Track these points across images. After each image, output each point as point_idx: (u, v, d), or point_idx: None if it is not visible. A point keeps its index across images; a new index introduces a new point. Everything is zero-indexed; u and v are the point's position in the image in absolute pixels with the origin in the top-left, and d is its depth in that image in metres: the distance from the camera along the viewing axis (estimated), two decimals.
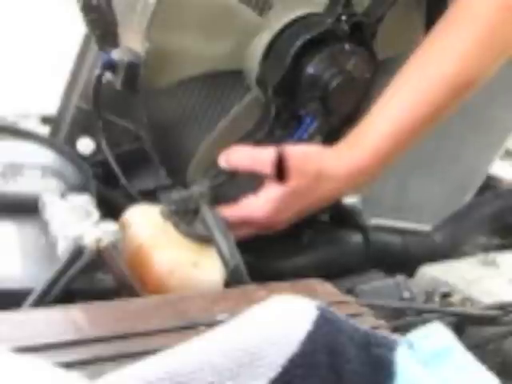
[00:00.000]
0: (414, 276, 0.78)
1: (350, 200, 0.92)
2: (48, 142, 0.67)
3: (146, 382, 0.31)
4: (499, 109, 1.00)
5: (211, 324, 0.41)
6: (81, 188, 0.61)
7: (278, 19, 0.75)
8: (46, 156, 0.65)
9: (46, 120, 0.87)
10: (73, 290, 0.48)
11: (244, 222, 0.69)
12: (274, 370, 0.33)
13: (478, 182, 1.14)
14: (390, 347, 0.37)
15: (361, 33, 0.77)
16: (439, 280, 0.71)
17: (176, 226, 0.59)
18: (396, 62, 0.82)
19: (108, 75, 0.70)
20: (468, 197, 1.14)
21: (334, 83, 0.74)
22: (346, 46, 0.75)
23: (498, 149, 1.12)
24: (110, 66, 0.69)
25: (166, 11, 0.68)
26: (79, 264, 0.48)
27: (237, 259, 0.55)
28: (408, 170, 1.02)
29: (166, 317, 0.44)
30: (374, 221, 0.93)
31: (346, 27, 0.75)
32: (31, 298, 0.46)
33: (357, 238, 0.86)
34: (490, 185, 1.17)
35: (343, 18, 0.75)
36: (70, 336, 0.39)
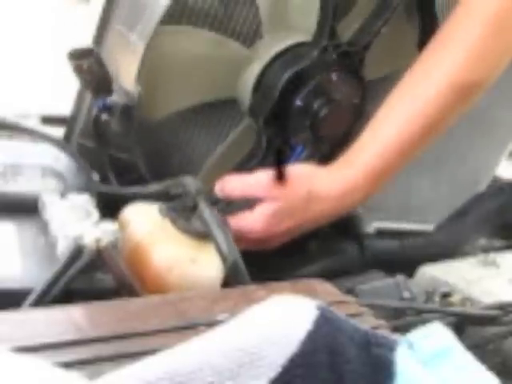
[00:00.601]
0: (414, 276, 0.78)
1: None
2: (48, 141, 0.67)
3: (146, 382, 0.31)
4: (505, 109, 1.00)
5: (211, 324, 0.41)
6: (81, 188, 0.61)
7: (268, 50, 0.77)
8: (46, 156, 0.65)
9: (46, 120, 0.87)
10: (73, 290, 0.48)
11: (239, 236, 0.70)
12: (274, 370, 0.33)
13: (485, 183, 1.14)
14: (390, 347, 0.37)
15: (348, 61, 0.78)
16: (439, 280, 0.71)
17: (174, 222, 0.59)
18: (388, 81, 0.84)
19: (104, 116, 0.73)
20: None
21: (323, 113, 0.76)
22: (333, 76, 0.77)
23: (504, 149, 1.12)
24: (106, 108, 0.72)
25: (155, 55, 0.70)
26: (79, 264, 0.48)
27: (235, 254, 0.56)
28: (413, 172, 1.02)
29: (165, 317, 0.44)
30: (376, 224, 0.93)
31: (332, 57, 0.77)
32: (31, 298, 0.46)
33: (353, 248, 0.85)
34: (493, 185, 1.17)
35: (329, 48, 0.76)
36: (70, 336, 0.39)
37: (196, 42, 0.75)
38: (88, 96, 0.77)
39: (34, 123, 0.85)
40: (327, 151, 0.81)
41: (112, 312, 0.44)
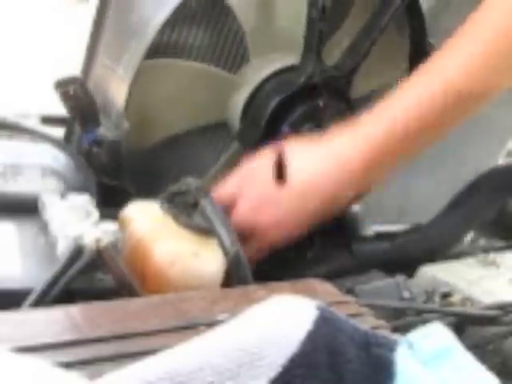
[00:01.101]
0: (414, 276, 0.78)
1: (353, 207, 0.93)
2: (48, 141, 0.67)
3: (146, 382, 0.31)
4: (502, 109, 1.00)
5: (211, 324, 0.41)
6: (81, 188, 0.61)
7: (255, 75, 0.77)
8: (46, 156, 0.65)
9: (46, 120, 0.87)
10: (73, 290, 0.48)
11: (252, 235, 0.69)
12: (274, 370, 0.33)
13: None
14: (390, 347, 0.36)
15: (335, 85, 0.78)
16: (439, 280, 0.71)
17: (175, 218, 0.59)
18: (379, 93, 0.83)
19: (95, 148, 0.73)
20: None
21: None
22: (320, 102, 0.76)
23: (502, 149, 1.12)
24: (95, 143, 0.72)
25: (142, 88, 0.71)
26: (79, 264, 0.48)
27: (237, 247, 0.56)
28: (411, 173, 1.02)
29: (165, 317, 0.44)
30: (375, 227, 0.93)
31: (319, 82, 0.76)
32: (31, 298, 0.46)
33: (343, 255, 0.85)
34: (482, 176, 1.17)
35: (316, 73, 0.76)
36: (70, 336, 0.39)
37: (182, 73, 0.75)
38: (78, 128, 0.78)
39: (33, 123, 0.85)
40: None
41: (112, 312, 0.44)
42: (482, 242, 1.05)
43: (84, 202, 0.56)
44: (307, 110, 0.76)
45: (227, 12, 0.74)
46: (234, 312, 0.39)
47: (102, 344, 0.39)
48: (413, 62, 0.85)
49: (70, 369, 0.35)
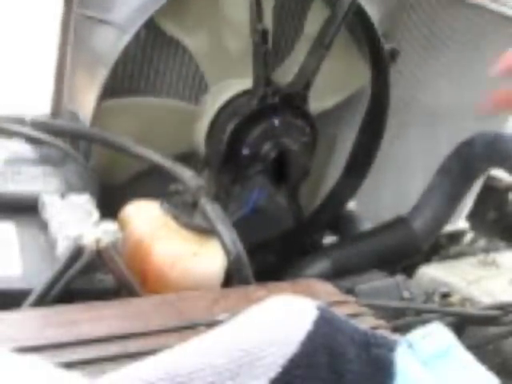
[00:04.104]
0: (414, 276, 0.78)
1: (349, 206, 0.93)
2: (48, 141, 0.67)
3: (147, 382, 0.31)
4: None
5: (211, 324, 0.41)
6: (81, 188, 0.61)
7: (213, 104, 0.79)
8: (47, 156, 0.65)
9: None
10: (73, 290, 0.48)
11: None
12: (273, 370, 0.33)
13: (478, 182, 1.14)
14: (390, 347, 0.37)
15: (291, 102, 0.79)
16: (439, 280, 0.71)
17: (176, 218, 0.59)
18: (348, 103, 0.88)
19: None
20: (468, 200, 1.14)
21: (271, 156, 0.77)
22: (276, 121, 0.78)
23: None
24: None
25: (103, 125, 0.70)
26: (79, 264, 0.48)
27: (239, 247, 0.56)
28: (404, 172, 1.03)
29: (165, 317, 0.44)
30: (371, 225, 0.94)
31: (273, 103, 0.78)
32: (31, 298, 0.46)
33: (322, 262, 0.86)
34: (490, 185, 1.17)
35: (268, 95, 0.78)
36: (70, 336, 0.39)
37: (142, 111, 0.76)
38: None
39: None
40: (291, 186, 0.83)
41: (112, 312, 0.44)
42: (482, 242, 1.05)
43: (84, 201, 0.56)
44: (264, 131, 0.78)
45: (177, 45, 0.75)
46: (233, 312, 0.39)
47: (102, 344, 0.39)
48: (374, 71, 0.87)
49: (70, 369, 0.35)
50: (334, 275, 0.79)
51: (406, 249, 0.84)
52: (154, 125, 0.76)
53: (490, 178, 1.20)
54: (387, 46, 0.85)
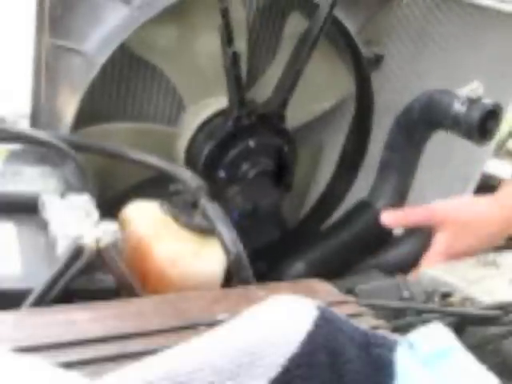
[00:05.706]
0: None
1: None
2: (48, 142, 0.67)
3: (147, 382, 0.31)
4: None
5: (211, 324, 0.41)
6: (80, 188, 0.61)
7: (191, 123, 0.79)
8: (46, 156, 0.65)
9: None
10: (73, 290, 0.48)
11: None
12: (274, 370, 0.33)
13: (472, 185, 1.15)
14: (390, 347, 0.37)
15: (267, 121, 0.79)
16: (439, 280, 0.71)
17: (176, 218, 0.59)
18: (332, 113, 0.88)
19: None
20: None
21: (250, 176, 0.77)
22: (252, 142, 0.78)
23: (488, 150, 1.13)
24: None
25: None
26: (79, 264, 0.48)
27: (239, 247, 0.56)
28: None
29: (166, 317, 0.44)
30: None
31: (248, 123, 0.77)
32: (31, 298, 0.46)
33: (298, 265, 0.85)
34: (489, 184, 1.17)
35: (243, 116, 0.77)
36: (70, 336, 0.39)
37: (118, 135, 0.75)
38: None
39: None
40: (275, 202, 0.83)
41: (112, 312, 0.44)
42: None
43: (84, 202, 0.56)
44: (239, 153, 0.77)
45: (153, 69, 0.75)
46: (233, 312, 0.39)
47: (102, 344, 0.39)
48: (357, 78, 0.86)
49: (69, 369, 0.35)
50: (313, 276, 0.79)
51: (377, 231, 0.84)
52: (136, 148, 0.74)
53: (487, 177, 1.20)
54: (370, 52, 0.85)
